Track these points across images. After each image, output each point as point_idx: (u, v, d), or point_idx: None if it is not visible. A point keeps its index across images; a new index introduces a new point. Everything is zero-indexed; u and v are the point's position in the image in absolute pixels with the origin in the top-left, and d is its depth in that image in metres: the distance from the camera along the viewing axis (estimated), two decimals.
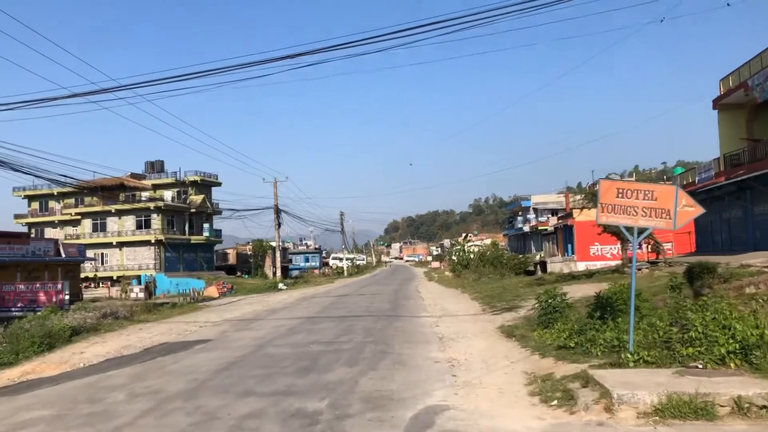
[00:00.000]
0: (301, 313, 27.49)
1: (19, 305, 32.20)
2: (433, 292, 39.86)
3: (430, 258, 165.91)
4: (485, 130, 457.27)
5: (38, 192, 71.81)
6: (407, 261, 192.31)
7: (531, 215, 72.07)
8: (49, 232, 68.76)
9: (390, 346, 15.93)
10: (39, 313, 24.36)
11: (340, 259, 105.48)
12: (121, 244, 65.34)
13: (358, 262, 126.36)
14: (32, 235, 62.04)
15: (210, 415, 9.01)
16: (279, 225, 56.82)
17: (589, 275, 33.47)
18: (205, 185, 72.59)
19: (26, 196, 73.54)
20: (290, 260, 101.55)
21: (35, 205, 74.10)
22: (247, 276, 73.29)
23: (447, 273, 67.00)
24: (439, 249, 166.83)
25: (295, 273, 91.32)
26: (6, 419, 9.51)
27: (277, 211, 56.90)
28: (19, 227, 70.82)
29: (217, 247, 78.97)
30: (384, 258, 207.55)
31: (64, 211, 70.30)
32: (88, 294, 49.98)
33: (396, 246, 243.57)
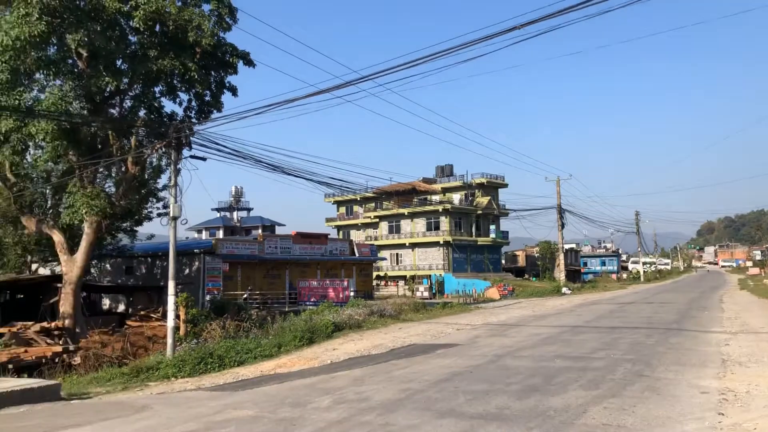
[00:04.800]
0: (569, 321, 25.32)
1: (312, 300, 35.42)
2: (739, 303, 34.02)
3: (750, 263, 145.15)
4: None
5: (345, 198, 79.19)
6: (723, 266, 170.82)
7: None
8: (353, 234, 75.35)
9: (651, 367, 13.40)
10: (310, 309, 26.18)
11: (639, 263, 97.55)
12: (413, 245, 68.69)
13: (660, 267, 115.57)
14: (339, 237, 68.63)
15: None
16: (562, 225, 54.20)
17: None
18: (492, 187, 72.82)
19: (335, 202, 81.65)
20: (584, 263, 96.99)
21: (342, 209, 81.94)
22: (534, 279, 71.65)
23: (766, 281, 57.30)
24: (765, 253, 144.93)
25: (589, 277, 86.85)
26: (206, 417, 9.77)
27: (560, 211, 54.32)
28: (329, 230, 79.03)
29: (506, 249, 78.71)
30: (695, 263, 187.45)
31: (365, 215, 76.44)
32: (379, 292, 53.27)
33: (710, 250, 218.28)
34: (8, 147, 19.47)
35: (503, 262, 76.88)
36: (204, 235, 72.40)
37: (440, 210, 66.35)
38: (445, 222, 66.64)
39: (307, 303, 34.71)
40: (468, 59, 15.61)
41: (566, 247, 67.00)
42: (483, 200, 70.59)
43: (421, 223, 68.81)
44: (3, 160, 20.74)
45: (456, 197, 70.19)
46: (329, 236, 48.15)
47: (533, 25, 11.46)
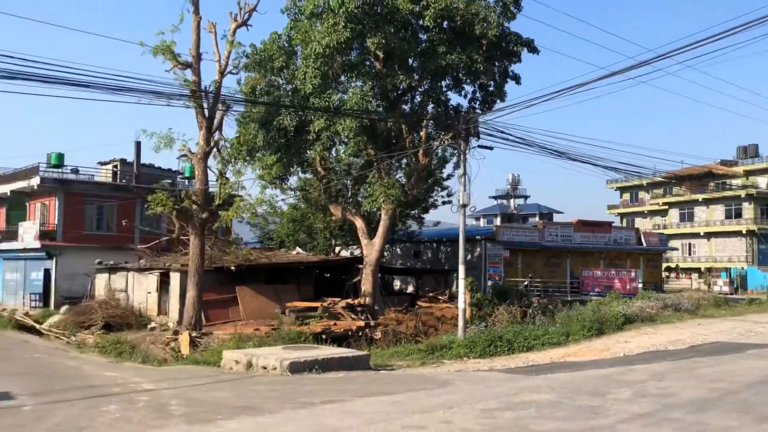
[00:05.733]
0: None
1: (596, 290, 34.18)
2: None
3: None
4: None
5: (629, 184, 74.75)
6: None
7: None
8: (638, 222, 70.85)
9: None
10: (595, 299, 25.25)
11: None
12: (708, 235, 62.36)
13: None
14: (623, 225, 65.13)
15: None
16: None
17: None
18: None
19: (618, 188, 77.51)
20: None
21: (626, 196, 77.46)
22: None
23: None
24: None
25: None
26: (507, 396, 10.05)
27: None
28: (611, 217, 75.31)
29: None
30: None
31: (651, 201, 71.32)
32: (669, 284, 49.40)
33: None
34: (319, 144, 22.01)
35: None
36: (482, 223, 74.13)
37: (742, 195, 59.14)
38: (748, 209, 59.26)
39: (591, 293, 33.58)
40: None
41: None
42: None
43: (718, 210, 62.13)
44: (315, 155, 23.51)
45: (762, 181, 61.93)
46: (612, 224, 45.90)
47: None
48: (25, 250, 32.21)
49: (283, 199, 30.72)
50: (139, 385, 12.05)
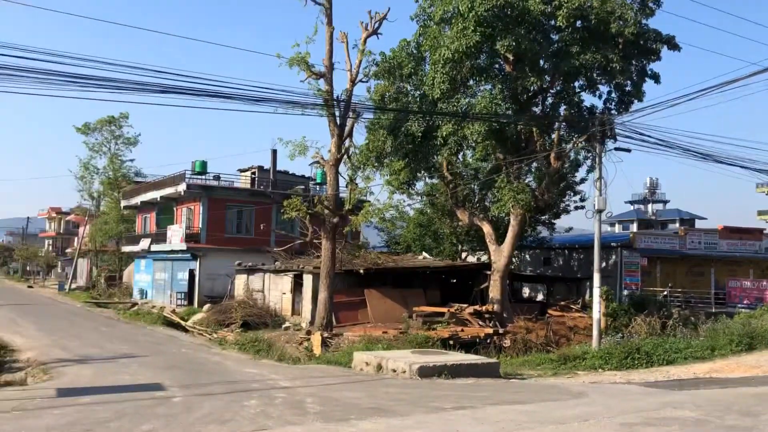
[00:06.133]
0: None
1: (745, 302, 31.70)
2: None
3: None
4: None
5: None
6: None
7: None
8: None
9: None
10: (744, 312, 23.36)
11: None
12: None
13: None
14: None
15: None
16: None
17: None
18: None
19: None
20: None
21: None
22: None
23: None
24: None
25: None
26: (647, 411, 9.50)
27: None
28: (762, 224, 69.51)
29: None
30: None
31: None
32: None
33: None
34: (446, 149, 22.00)
35: None
36: (617, 229, 70.99)
37: None
38: None
39: (739, 305, 31.16)
40: None
41: None
42: None
43: None
44: (442, 160, 23.53)
45: None
46: (764, 231, 42.34)
47: None
48: (172, 251, 34.66)
49: (409, 204, 31.08)
50: (276, 382, 12.56)
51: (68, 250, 70.02)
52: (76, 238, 63.14)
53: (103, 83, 14.35)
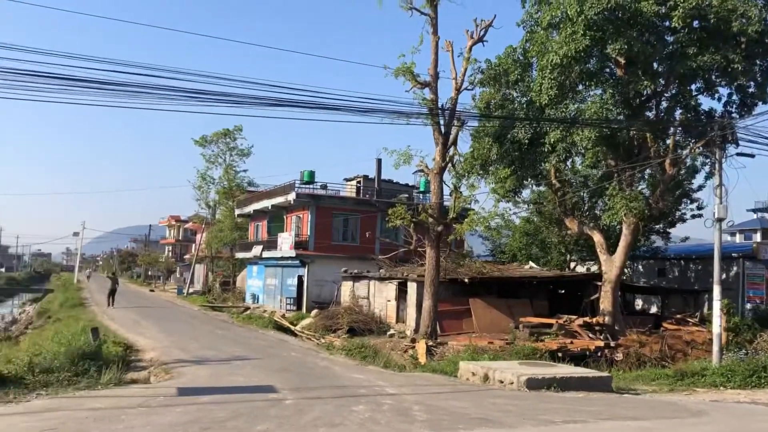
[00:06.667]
0: None
1: None
2: None
3: None
4: None
5: None
6: None
7: None
8: None
9: None
10: None
11: None
12: None
13: None
14: None
15: None
16: None
17: None
18: None
19: None
20: None
21: None
22: None
23: None
24: None
25: None
26: None
27: None
28: None
29: None
30: None
31: None
32: None
33: None
34: (554, 156, 21.52)
35: None
36: (738, 238, 66.65)
37: None
38: None
39: None
40: None
41: None
42: None
43: None
44: (549, 168, 23.03)
45: None
46: None
47: None
48: (282, 258, 35.90)
49: (515, 213, 30.61)
50: (382, 389, 12.73)
51: (186, 256, 74.04)
52: (193, 245, 66.73)
53: (221, 98, 15.16)
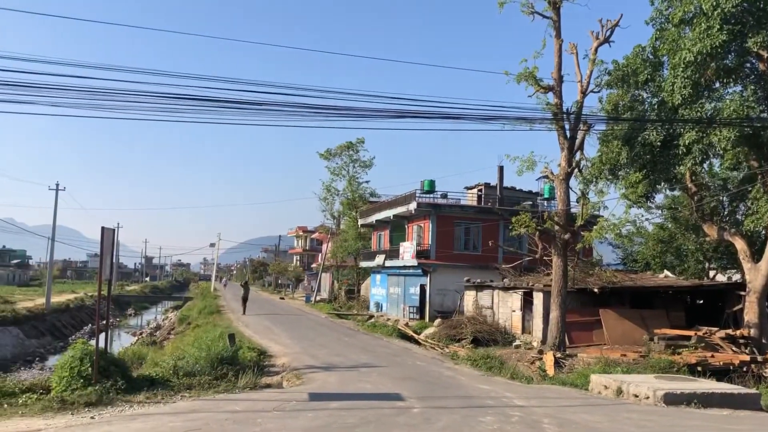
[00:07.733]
0: None
1: None
2: None
3: None
4: None
5: None
6: None
7: None
8: None
9: None
10: None
11: None
12: None
13: None
14: None
15: None
16: None
17: None
18: None
19: None
20: None
21: None
22: None
23: None
24: None
25: None
26: None
27: None
28: None
29: None
30: None
31: None
32: None
33: None
34: (690, 158, 20.31)
35: None
36: None
37: None
38: None
39: None
40: None
41: None
42: None
43: None
44: (684, 171, 21.75)
45: None
46: None
47: None
48: (404, 267, 36.29)
49: (648, 219, 29.19)
50: (510, 401, 12.54)
51: (313, 265, 76.59)
52: (319, 254, 68.93)
53: (343, 112, 15.64)
